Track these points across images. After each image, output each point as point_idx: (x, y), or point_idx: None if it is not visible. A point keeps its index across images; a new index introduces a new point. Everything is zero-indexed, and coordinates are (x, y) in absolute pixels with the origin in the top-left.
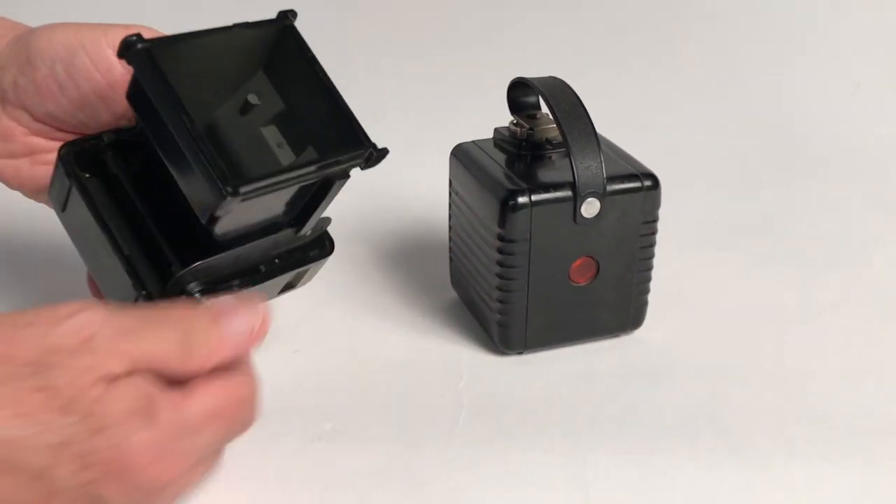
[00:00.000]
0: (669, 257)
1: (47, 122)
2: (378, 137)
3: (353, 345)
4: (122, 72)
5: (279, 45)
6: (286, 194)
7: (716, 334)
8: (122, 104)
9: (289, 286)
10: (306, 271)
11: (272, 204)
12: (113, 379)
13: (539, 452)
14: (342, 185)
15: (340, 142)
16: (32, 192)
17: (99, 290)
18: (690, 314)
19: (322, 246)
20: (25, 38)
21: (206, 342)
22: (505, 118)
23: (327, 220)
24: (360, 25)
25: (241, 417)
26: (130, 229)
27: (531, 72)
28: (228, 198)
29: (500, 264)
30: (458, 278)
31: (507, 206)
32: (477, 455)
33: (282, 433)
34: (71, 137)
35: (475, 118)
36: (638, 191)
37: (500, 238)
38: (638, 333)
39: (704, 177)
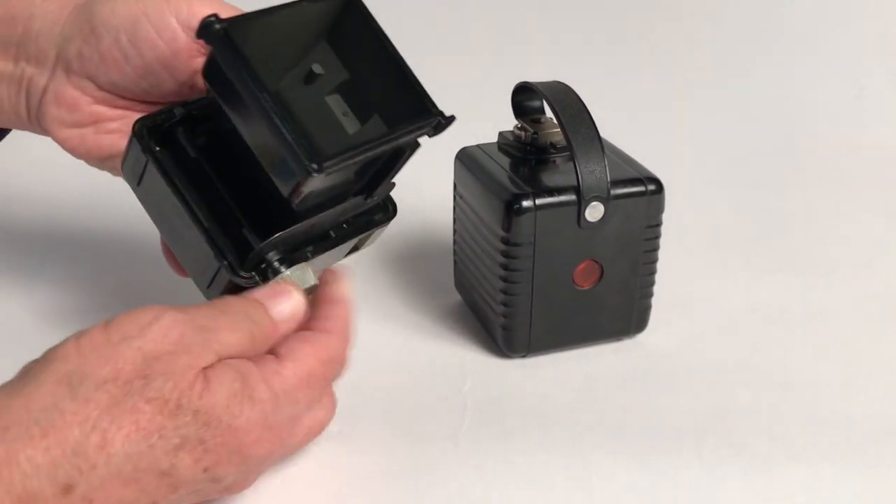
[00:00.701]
0: (673, 261)
1: (111, 90)
2: None
3: (358, 347)
4: (185, 40)
5: (344, 16)
6: (358, 164)
7: (719, 338)
8: (185, 72)
9: (355, 248)
10: (370, 234)
11: (346, 174)
12: (208, 371)
13: (543, 455)
14: (413, 153)
15: (407, 110)
16: (97, 160)
17: (175, 261)
18: (694, 318)
19: (385, 210)
20: (88, 8)
21: (265, 328)
22: (509, 122)
23: (392, 185)
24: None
25: (332, 374)
26: (207, 202)
27: (535, 76)
28: (314, 174)
29: (505, 268)
30: (463, 281)
31: (511, 210)
32: (482, 457)
33: None
34: (134, 106)
35: (479, 122)
36: (642, 195)
37: (505, 241)
38: (641, 337)
39: (708, 181)
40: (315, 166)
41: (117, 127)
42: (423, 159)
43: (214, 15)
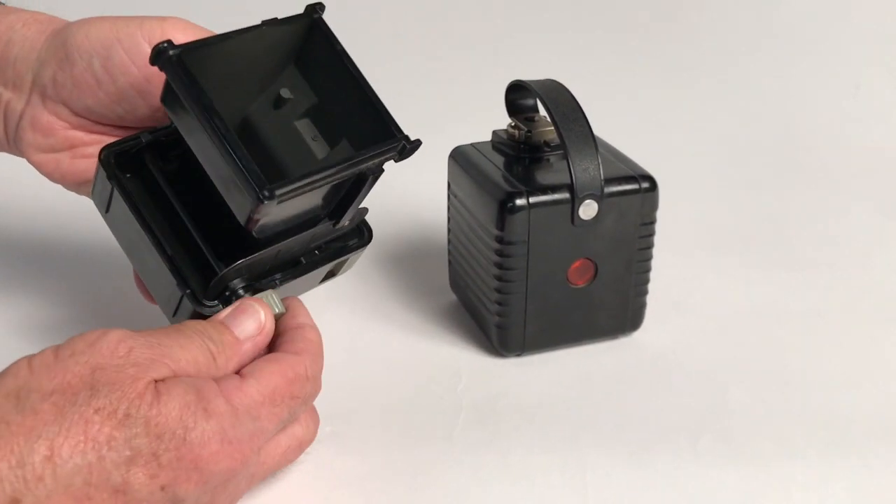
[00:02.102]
0: (668, 259)
1: (86, 116)
2: None
3: (353, 348)
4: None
5: (309, 39)
6: (322, 190)
7: (714, 336)
8: (159, 97)
9: (330, 274)
10: (346, 260)
11: (309, 200)
12: (159, 383)
13: (539, 454)
14: (377, 179)
15: (373, 134)
16: (74, 185)
17: (145, 288)
18: (689, 316)
19: (360, 235)
20: (63, 34)
21: (227, 345)
22: (503, 121)
23: (364, 210)
24: (357, 28)
25: (300, 393)
26: (172, 229)
27: (529, 74)
28: (265, 202)
29: (499, 266)
30: (457, 281)
31: (505, 209)
32: (477, 457)
33: None
34: (110, 131)
35: (473, 121)
36: (636, 192)
37: (499, 240)
38: (636, 335)
39: (703, 179)
40: (266, 193)
41: (93, 152)
42: (416, 159)
43: (168, 41)
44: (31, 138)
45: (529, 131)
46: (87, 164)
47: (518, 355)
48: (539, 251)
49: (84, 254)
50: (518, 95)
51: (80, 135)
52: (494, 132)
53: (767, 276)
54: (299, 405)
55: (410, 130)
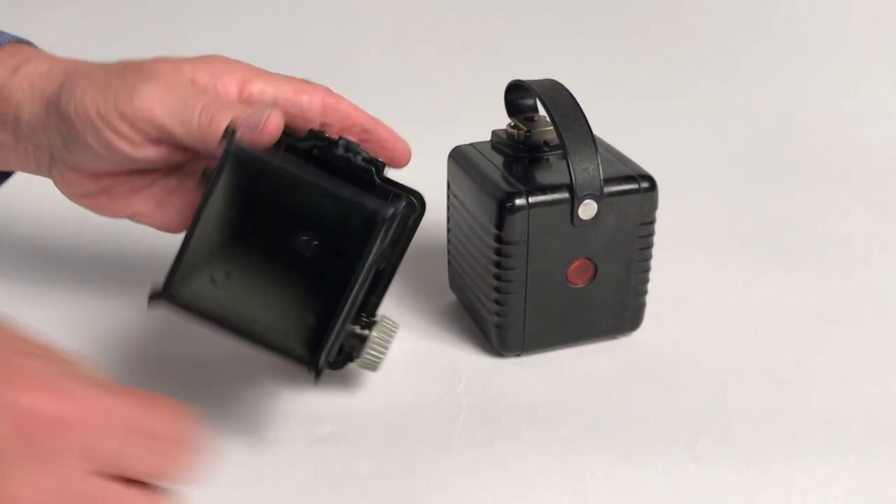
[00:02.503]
0: (667, 259)
1: (107, 171)
2: None
3: None
4: (140, 138)
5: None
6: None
7: (714, 336)
8: (159, 155)
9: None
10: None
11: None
12: None
13: (538, 455)
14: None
15: (295, 334)
16: (124, 217)
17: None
18: (688, 316)
19: (412, 207)
20: (58, 105)
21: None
22: (502, 121)
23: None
24: (358, 27)
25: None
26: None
27: (528, 74)
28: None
29: (498, 266)
30: (457, 281)
31: (504, 209)
32: (476, 457)
33: (282, 436)
34: (136, 174)
35: (472, 121)
36: (635, 192)
37: (498, 240)
38: (636, 335)
39: (703, 179)
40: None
41: (126, 191)
42: (416, 158)
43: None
44: (62, 187)
45: (529, 131)
46: (128, 201)
47: (517, 355)
48: (538, 251)
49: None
50: (517, 95)
51: (107, 181)
52: (494, 132)
53: (766, 277)
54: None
55: (410, 130)
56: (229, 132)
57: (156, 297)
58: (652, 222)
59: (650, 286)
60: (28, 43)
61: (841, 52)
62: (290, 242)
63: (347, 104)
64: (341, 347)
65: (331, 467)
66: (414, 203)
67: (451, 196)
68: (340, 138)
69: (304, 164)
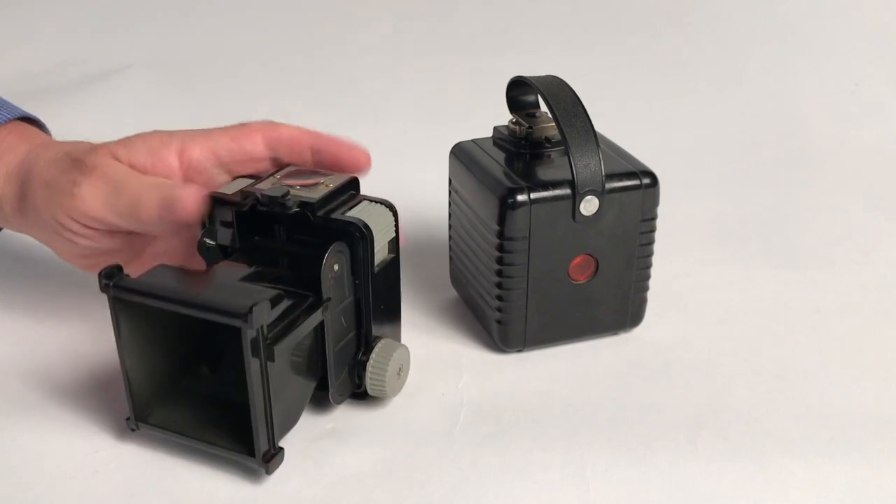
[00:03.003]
0: (668, 256)
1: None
2: (378, 135)
3: None
4: (95, 234)
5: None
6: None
7: (715, 332)
8: (115, 239)
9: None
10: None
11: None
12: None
13: (539, 451)
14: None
15: (234, 435)
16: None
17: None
18: (689, 312)
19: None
20: (25, 209)
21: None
22: (503, 117)
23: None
24: (360, 24)
25: None
26: None
27: (529, 70)
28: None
29: (500, 262)
30: (458, 277)
31: (506, 205)
32: (478, 453)
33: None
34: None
35: (472, 117)
36: (637, 188)
37: (500, 236)
38: (637, 331)
39: (704, 175)
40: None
41: (114, 259)
42: (417, 154)
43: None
44: (58, 254)
45: (530, 127)
46: (116, 256)
47: (519, 351)
48: (540, 247)
49: None
50: (519, 91)
51: (95, 245)
52: (496, 128)
53: (766, 273)
54: None
55: (411, 127)
56: (103, 278)
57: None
58: (653, 218)
59: (651, 282)
60: (30, 118)
61: (841, 49)
62: (198, 374)
63: (289, 131)
64: (359, 377)
65: (332, 463)
66: (355, 235)
67: (452, 192)
68: (260, 194)
69: (180, 277)
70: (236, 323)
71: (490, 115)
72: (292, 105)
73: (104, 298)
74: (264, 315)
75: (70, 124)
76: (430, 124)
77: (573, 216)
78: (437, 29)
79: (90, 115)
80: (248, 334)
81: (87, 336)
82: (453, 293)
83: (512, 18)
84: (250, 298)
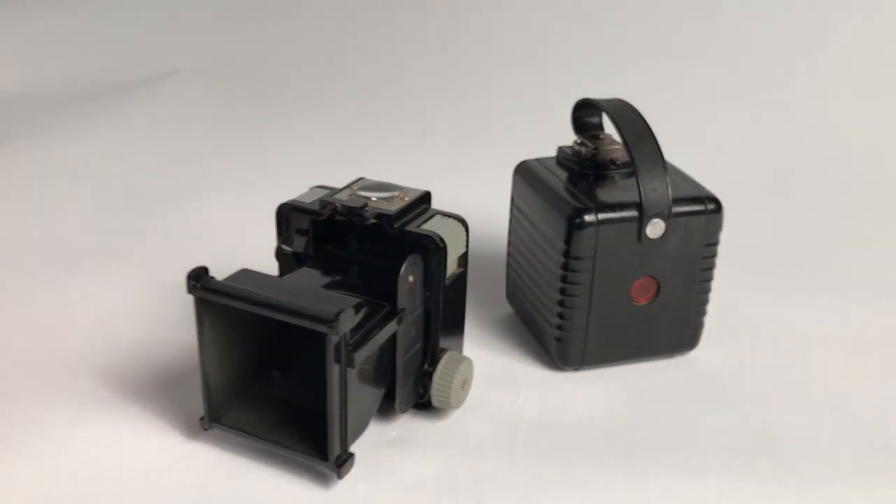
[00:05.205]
0: (725, 280)
1: None
2: (435, 148)
3: None
4: None
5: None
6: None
7: (767, 359)
8: None
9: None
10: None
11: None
12: None
13: (601, 469)
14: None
15: (304, 439)
16: None
17: None
18: (742, 339)
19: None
20: None
21: None
22: (555, 138)
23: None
24: (426, 43)
25: None
26: None
27: (578, 92)
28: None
29: (563, 281)
30: (515, 293)
31: (573, 224)
32: (539, 468)
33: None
34: None
35: (526, 137)
36: (701, 213)
37: (565, 255)
38: (692, 354)
39: (760, 203)
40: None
41: None
42: (478, 172)
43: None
44: None
45: (596, 149)
46: None
47: (576, 369)
48: (604, 268)
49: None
50: (584, 113)
51: None
52: (560, 148)
53: (821, 301)
54: None
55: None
56: (191, 280)
57: (202, 420)
58: (716, 244)
59: (707, 307)
60: None
61: (886, 77)
62: (271, 376)
63: None
64: (425, 387)
65: (398, 471)
66: (430, 247)
67: (514, 210)
68: (339, 205)
69: (268, 282)
70: (322, 328)
71: (546, 136)
72: (345, 117)
73: (170, 300)
74: (349, 322)
75: (117, 126)
76: (489, 141)
77: (639, 238)
78: (502, 50)
79: (137, 118)
80: (333, 340)
81: (155, 336)
82: (508, 308)
83: (571, 40)
84: (335, 305)
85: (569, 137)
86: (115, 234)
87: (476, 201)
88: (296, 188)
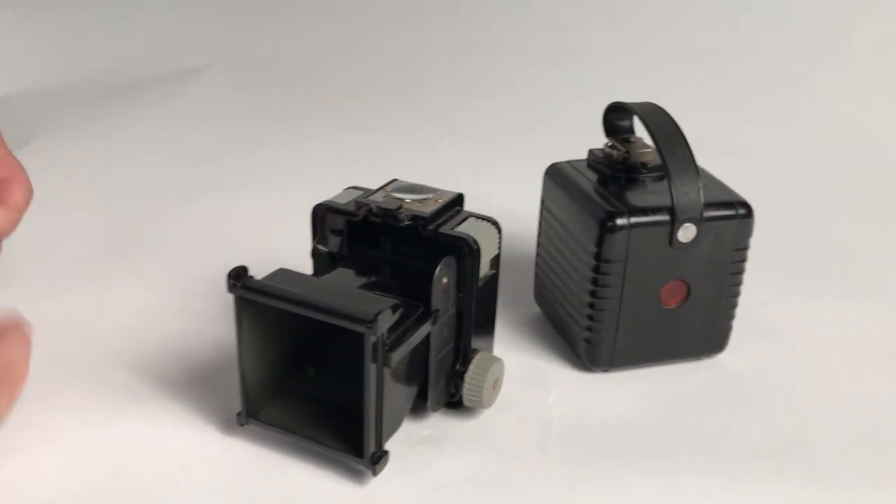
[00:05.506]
0: (752, 284)
1: None
2: (465, 148)
3: None
4: None
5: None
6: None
7: (796, 362)
8: None
9: None
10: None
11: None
12: None
13: (632, 469)
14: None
15: (339, 436)
16: None
17: None
18: (771, 341)
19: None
20: None
21: None
22: (586, 140)
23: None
24: (459, 45)
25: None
26: None
27: (609, 94)
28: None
29: (594, 283)
30: (544, 294)
31: (605, 227)
32: (572, 468)
33: None
34: None
35: (556, 138)
36: (732, 218)
37: (597, 258)
38: (720, 357)
39: (790, 206)
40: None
41: None
42: (508, 173)
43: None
44: None
45: (627, 152)
46: None
47: (605, 371)
48: (635, 271)
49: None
50: (615, 116)
51: None
52: (591, 151)
53: (851, 304)
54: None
55: (499, 143)
56: (231, 279)
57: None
58: (746, 248)
59: (736, 310)
60: None
61: None
62: (306, 374)
63: None
64: (456, 387)
65: (431, 469)
66: (464, 249)
67: (544, 211)
68: (375, 206)
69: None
70: (360, 329)
71: (576, 138)
72: (373, 116)
73: (206, 297)
74: (387, 322)
75: (148, 119)
76: (518, 142)
77: (670, 242)
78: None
79: (168, 111)
80: (371, 340)
81: (189, 332)
82: (536, 309)
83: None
84: (373, 306)
85: (600, 140)
86: (147, 230)
87: (504, 202)
88: (322, 185)
